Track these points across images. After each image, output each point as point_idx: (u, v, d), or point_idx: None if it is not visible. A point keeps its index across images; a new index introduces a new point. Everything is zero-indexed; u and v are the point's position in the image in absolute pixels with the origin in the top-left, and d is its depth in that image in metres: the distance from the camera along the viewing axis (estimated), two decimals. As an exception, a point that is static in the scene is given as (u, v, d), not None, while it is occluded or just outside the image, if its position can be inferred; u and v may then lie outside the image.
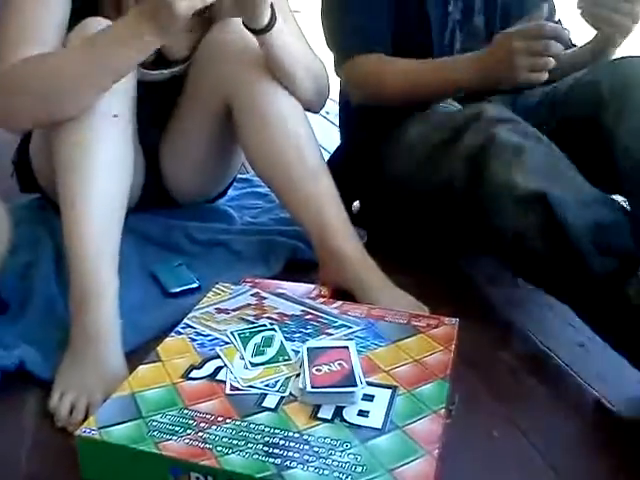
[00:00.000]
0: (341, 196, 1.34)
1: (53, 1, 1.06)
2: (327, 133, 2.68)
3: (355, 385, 0.77)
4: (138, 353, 0.98)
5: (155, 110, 1.33)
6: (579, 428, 0.89)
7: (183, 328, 0.93)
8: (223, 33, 1.19)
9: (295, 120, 1.16)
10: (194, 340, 0.90)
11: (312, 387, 0.77)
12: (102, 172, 1.00)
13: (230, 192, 1.64)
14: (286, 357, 0.86)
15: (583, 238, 0.90)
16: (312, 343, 0.87)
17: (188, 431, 0.71)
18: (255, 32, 1.07)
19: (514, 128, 1.04)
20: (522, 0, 1.34)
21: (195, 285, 1.19)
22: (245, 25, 1.07)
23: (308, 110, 1.24)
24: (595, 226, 0.90)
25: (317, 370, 0.80)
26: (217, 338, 0.91)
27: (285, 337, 0.91)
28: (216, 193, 1.56)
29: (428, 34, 1.29)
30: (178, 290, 1.17)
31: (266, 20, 1.04)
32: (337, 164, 1.45)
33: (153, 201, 1.47)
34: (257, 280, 1.18)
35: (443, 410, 0.77)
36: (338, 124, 1.62)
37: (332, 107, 3.20)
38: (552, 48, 1.06)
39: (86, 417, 0.81)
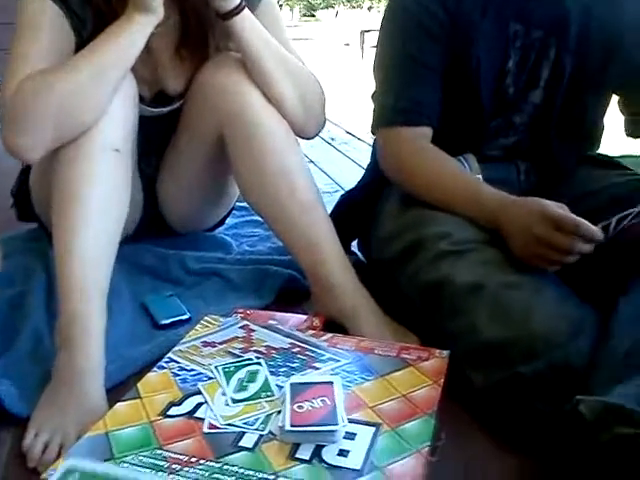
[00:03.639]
0: (347, 226, 1.33)
1: (65, 30, 1.07)
2: (333, 160, 2.69)
3: (336, 424, 0.75)
4: (124, 387, 0.97)
5: (153, 142, 1.33)
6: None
7: (167, 362, 0.92)
8: (213, 72, 1.19)
9: (287, 152, 1.14)
10: (177, 375, 0.88)
11: (291, 425, 0.74)
12: (99, 205, 0.99)
13: (229, 220, 1.63)
14: (269, 393, 0.84)
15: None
16: (296, 379, 0.85)
17: (159, 474, 0.69)
18: (224, 16, 1.09)
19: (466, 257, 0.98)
20: (593, 77, 1.18)
21: (186, 316, 1.17)
22: (216, 13, 1.09)
23: (301, 136, 1.23)
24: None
25: (298, 407, 0.78)
26: (201, 373, 0.89)
27: (270, 372, 0.89)
28: (214, 222, 1.55)
29: (478, 118, 1.19)
30: (168, 322, 1.16)
31: (234, 3, 1.07)
32: (352, 197, 1.43)
33: (151, 230, 1.47)
34: (249, 311, 1.16)
35: (427, 449, 0.74)
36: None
37: (338, 133, 3.25)
38: (577, 248, 0.90)
39: (59, 457, 0.79)
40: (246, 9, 1.10)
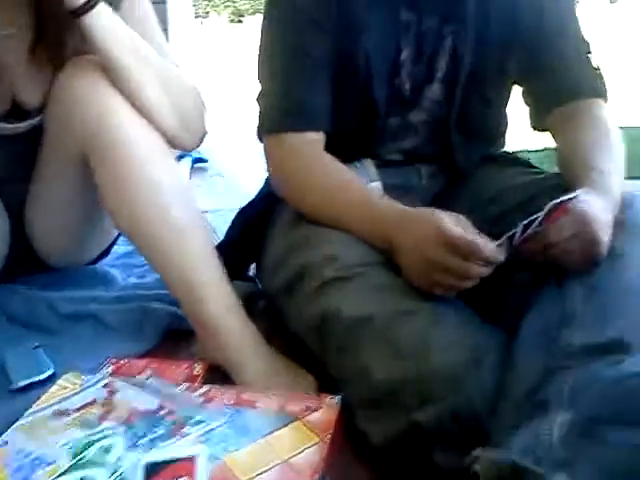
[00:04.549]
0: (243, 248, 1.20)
1: None
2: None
3: (192, 516, 0.62)
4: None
5: (16, 165, 1.17)
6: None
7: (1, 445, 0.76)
8: (70, 78, 1.04)
9: (152, 163, 1.00)
10: (8, 465, 0.73)
11: (137, 525, 0.61)
12: None
13: (120, 248, 1.47)
14: (121, 476, 0.70)
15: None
16: (152, 455, 0.71)
17: None
18: (75, 12, 0.95)
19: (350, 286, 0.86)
20: (492, 68, 1.08)
21: (47, 374, 1.01)
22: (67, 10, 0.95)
23: (178, 147, 1.10)
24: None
25: (150, 497, 0.64)
26: (40, 457, 0.74)
27: (129, 445, 0.75)
28: (95, 253, 1.39)
29: (373, 117, 1.07)
30: (26, 382, 0.99)
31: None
32: (247, 213, 1.28)
33: (23, 267, 1.30)
34: (123, 361, 1.02)
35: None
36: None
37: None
38: (475, 273, 0.80)
39: None
40: (102, 4, 0.96)
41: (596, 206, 0.79)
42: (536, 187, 1.03)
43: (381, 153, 1.12)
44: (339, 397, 0.82)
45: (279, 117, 1.04)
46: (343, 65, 1.03)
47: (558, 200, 0.78)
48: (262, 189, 1.31)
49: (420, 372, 0.76)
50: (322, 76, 1.03)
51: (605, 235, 0.79)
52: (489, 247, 0.79)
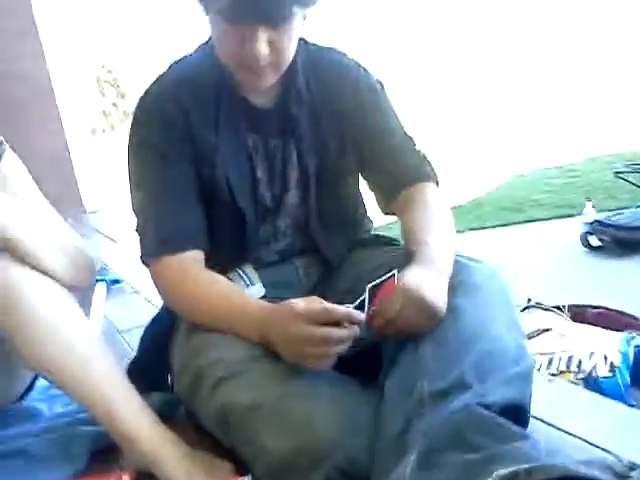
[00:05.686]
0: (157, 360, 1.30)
1: None
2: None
3: None
4: None
5: None
6: None
7: None
8: None
9: (58, 312, 1.11)
10: None
11: None
12: None
13: (43, 381, 1.54)
14: None
15: None
16: None
17: None
18: None
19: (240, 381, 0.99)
20: (336, 169, 1.25)
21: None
22: None
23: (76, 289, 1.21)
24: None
25: None
26: None
27: None
28: (20, 390, 1.46)
29: (244, 229, 1.20)
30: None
31: None
32: (154, 327, 1.39)
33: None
34: (54, 486, 1.09)
35: None
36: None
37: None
38: (336, 335, 0.92)
39: None
40: None
41: (420, 275, 0.94)
42: (396, 263, 1.19)
43: (259, 257, 1.26)
44: (249, 476, 0.93)
45: (157, 244, 1.16)
46: (209, 187, 1.17)
47: (378, 281, 0.93)
48: (164, 303, 1.43)
49: (306, 442, 0.89)
50: (190, 200, 1.16)
51: (437, 297, 0.93)
52: (339, 307, 0.92)
